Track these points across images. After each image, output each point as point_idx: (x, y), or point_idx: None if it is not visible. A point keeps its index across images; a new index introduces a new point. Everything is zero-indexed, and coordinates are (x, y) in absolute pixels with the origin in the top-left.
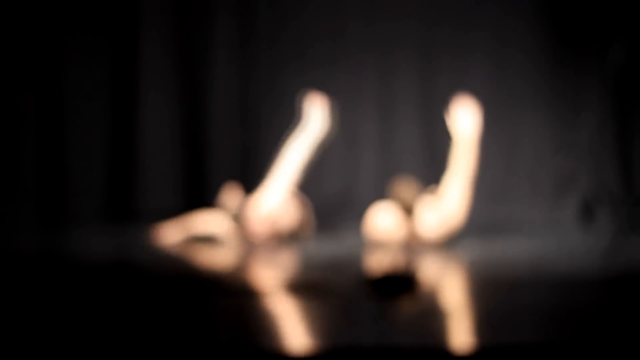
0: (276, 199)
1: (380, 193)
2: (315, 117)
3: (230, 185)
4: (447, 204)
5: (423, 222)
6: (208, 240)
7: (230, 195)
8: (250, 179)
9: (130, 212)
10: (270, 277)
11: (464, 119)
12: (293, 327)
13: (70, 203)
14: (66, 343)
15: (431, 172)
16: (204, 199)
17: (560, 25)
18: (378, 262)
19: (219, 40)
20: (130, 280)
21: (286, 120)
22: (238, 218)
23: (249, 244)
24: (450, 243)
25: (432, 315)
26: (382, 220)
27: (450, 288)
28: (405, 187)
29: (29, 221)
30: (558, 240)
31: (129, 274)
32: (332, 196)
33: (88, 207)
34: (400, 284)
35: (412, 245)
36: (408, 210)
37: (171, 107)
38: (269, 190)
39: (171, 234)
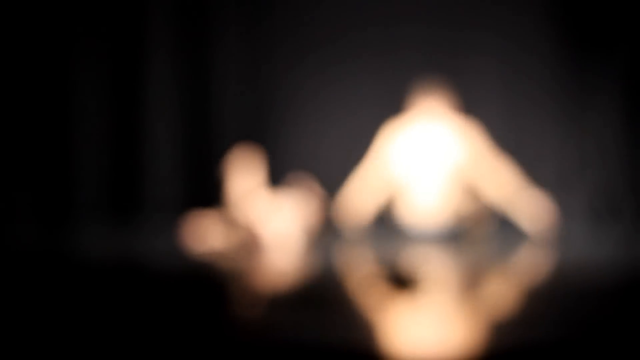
0: (273, 199)
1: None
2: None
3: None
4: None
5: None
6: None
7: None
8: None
9: (134, 208)
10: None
11: None
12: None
13: (74, 197)
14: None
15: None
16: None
17: (569, 22)
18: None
19: (223, 36)
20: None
21: (288, 118)
22: (241, 225)
23: (258, 251)
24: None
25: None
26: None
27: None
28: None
29: (33, 216)
30: (563, 235)
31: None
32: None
33: (92, 202)
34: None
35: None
36: None
37: (175, 105)
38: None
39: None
